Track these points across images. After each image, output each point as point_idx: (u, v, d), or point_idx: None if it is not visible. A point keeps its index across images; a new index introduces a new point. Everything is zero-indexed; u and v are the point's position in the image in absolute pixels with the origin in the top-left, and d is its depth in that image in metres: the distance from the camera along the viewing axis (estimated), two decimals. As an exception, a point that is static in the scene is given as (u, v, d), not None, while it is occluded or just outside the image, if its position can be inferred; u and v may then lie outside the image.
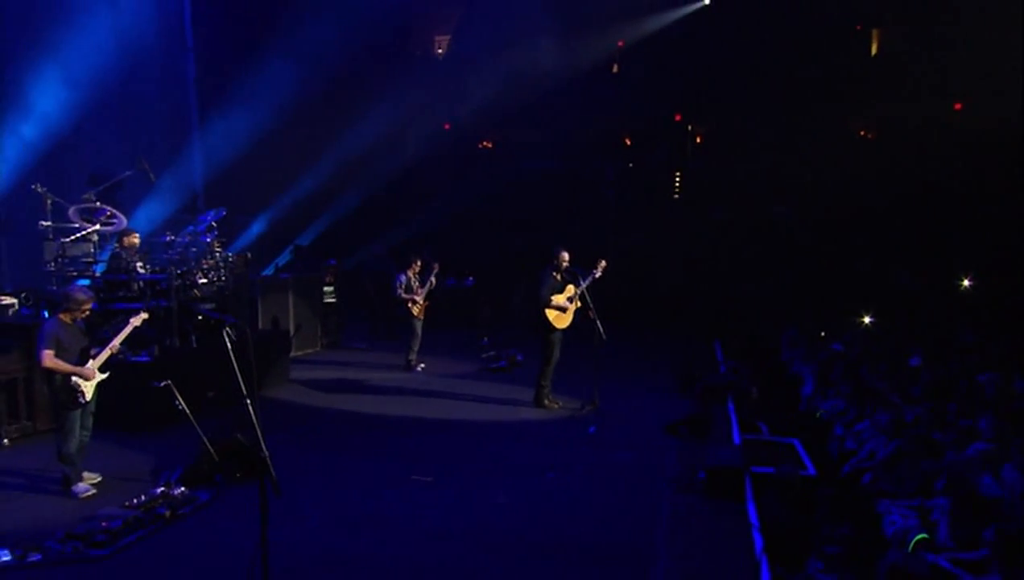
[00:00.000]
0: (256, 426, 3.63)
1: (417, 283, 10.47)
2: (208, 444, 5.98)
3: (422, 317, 10.47)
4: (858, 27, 15.77)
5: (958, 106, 14.62)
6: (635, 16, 15.20)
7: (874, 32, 15.93)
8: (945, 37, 13.93)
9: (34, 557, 4.64)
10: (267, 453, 3.56)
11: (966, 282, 13.53)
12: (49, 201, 7.92)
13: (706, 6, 15.25)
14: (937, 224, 14.08)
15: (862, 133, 16.23)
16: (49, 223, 7.92)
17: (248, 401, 3.72)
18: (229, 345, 3.75)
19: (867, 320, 12.57)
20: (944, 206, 13.86)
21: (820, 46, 14.68)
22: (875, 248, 14.60)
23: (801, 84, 14.89)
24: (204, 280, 8.71)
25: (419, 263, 10.55)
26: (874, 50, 16.00)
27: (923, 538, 4.86)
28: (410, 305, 10.37)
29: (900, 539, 4.93)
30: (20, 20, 10.34)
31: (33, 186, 7.89)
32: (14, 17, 10.30)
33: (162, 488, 5.64)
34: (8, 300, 7.66)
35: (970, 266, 13.52)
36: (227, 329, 3.68)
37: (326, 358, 11.54)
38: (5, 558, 4.56)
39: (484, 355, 11.24)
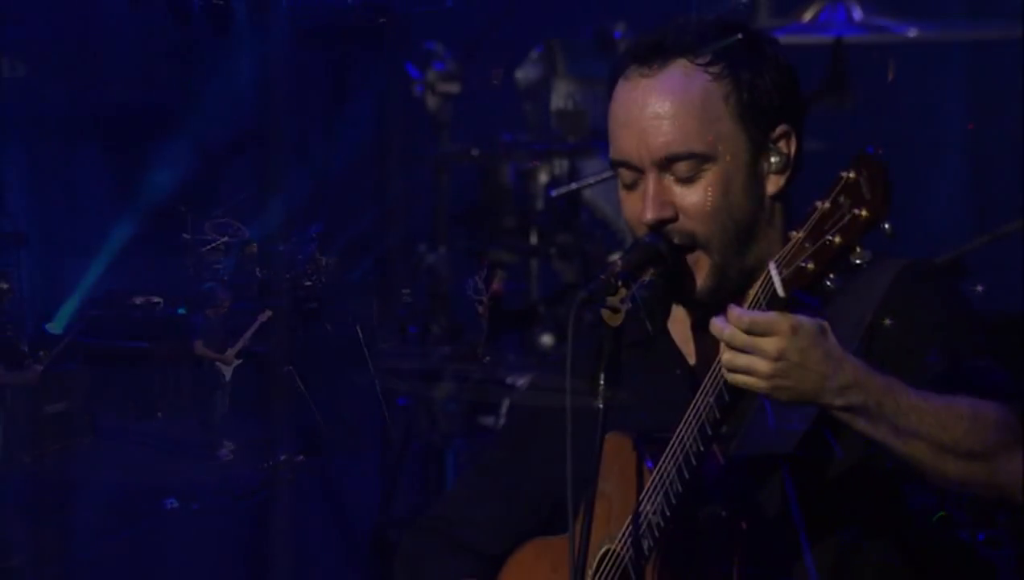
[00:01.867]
0: (382, 403, 3.96)
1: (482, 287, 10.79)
2: (319, 420, 6.39)
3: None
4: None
5: (971, 125, 14.24)
6: None
7: (890, 62, 15.68)
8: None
9: (194, 505, 5.14)
10: (390, 422, 3.87)
11: (979, 288, 13.13)
12: (189, 218, 8.57)
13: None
14: (941, 232, 13.71)
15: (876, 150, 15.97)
16: (189, 236, 8.59)
17: (375, 381, 4.05)
18: (360, 336, 4.09)
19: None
20: (949, 216, 13.50)
21: (840, 73, 14.53)
22: (883, 254, 14.30)
23: (819, 107, 14.76)
24: (308, 283, 9.24)
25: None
26: (890, 76, 15.75)
27: (943, 515, 4.90)
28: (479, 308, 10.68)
29: (922, 515, 4.97)
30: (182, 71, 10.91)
31: (180, 207, 8.57)
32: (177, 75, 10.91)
33: (284, 456, 6.06)
34: (156, 299, 8.32)
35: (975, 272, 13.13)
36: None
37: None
38: (175, 504, 5.09)
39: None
